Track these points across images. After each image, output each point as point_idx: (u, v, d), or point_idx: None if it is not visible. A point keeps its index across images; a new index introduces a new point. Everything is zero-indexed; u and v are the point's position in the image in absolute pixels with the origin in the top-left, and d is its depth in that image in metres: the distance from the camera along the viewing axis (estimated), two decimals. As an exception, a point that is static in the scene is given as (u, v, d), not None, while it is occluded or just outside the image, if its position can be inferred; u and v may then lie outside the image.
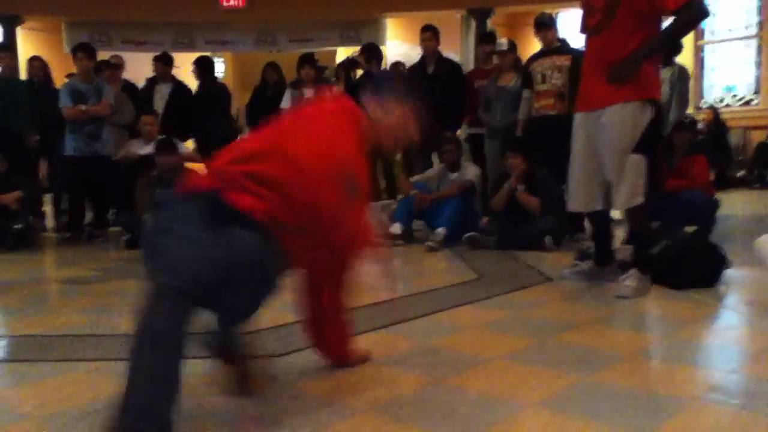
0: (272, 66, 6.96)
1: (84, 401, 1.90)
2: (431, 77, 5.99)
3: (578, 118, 3.36)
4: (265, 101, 6.68)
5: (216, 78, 7.47)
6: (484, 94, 5.75)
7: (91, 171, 5.89)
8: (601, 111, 3.18)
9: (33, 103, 6.22)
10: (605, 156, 3.19)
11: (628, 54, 3.06)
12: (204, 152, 6.65)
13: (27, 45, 8.49)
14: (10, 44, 6.76)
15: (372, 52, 6.48)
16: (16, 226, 5.56)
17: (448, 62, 6.27)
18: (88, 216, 6.28)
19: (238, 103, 10.79)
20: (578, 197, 3.39)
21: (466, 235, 4.94)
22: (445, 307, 3.05)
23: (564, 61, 4.98)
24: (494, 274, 3.99)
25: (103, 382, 2.01)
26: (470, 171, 5.48)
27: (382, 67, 6.68)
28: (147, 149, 5.80)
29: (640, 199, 3.17)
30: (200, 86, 6.75)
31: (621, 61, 3.06)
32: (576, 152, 3.36)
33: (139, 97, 6.65)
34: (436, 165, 5.88)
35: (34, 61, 6.72)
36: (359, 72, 6.77)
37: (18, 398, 2.01)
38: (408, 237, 5.39)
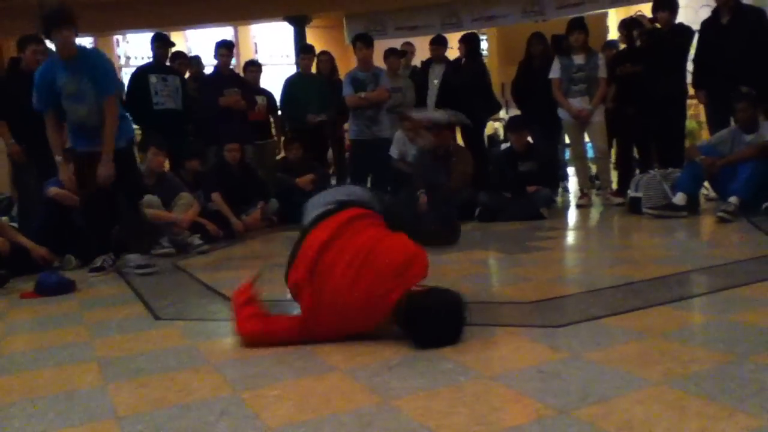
0: (536, 37, 6.69)
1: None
2: (725, 29, 5.38)
3: None
4: (531, 74, 6.57)
5: (480, 54, 7.54)
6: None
7: (371, 153, 6.36)
8: None
9: (323, 94, 6.92)
10: None
11: None
12: (471, 132, 6.84)
13: (314, 42, 9.39)
14: (310, 47, 7.58)
15: (661, 3, 5.76)
16: (312, 205, 6.24)
17: (749, 10, 5.54)
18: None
19: (503, 78, 10.73)
20: None
21: None
22: (743, 282, 2.74)
23: None
24: (804, 246, 3.50)
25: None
26: (771, 130, 4.83)
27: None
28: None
29: None
30: (465, 63, 6.88)
31: None
32: None
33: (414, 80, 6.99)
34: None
35: (322, 56, 7.44)
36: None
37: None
38: (694, 207, 4.96)
